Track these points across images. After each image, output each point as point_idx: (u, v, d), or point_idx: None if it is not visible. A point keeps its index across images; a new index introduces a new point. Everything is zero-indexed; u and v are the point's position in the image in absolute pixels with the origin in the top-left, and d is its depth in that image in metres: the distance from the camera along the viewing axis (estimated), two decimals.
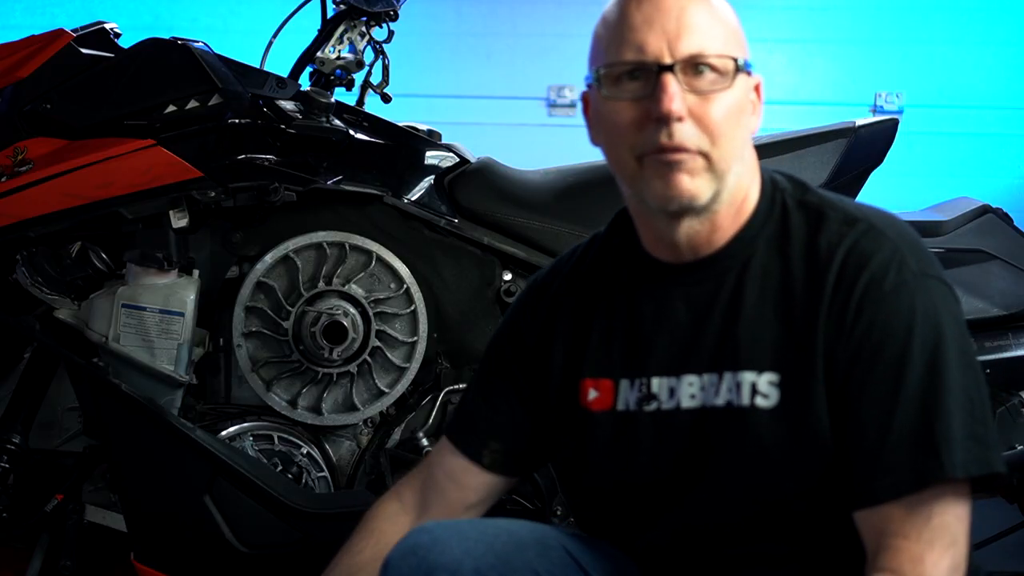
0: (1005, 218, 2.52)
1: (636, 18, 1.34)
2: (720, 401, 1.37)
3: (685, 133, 1.31)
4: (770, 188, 1.44)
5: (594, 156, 2.55)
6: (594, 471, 1.47)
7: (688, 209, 1.36)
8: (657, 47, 1.32)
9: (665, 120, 1.31)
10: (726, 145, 1.34)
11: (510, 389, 1.56)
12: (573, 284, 1.53)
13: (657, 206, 1.37)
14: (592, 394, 1.46)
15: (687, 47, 1.32)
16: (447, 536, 1.41)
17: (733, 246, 1.40)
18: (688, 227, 1.38)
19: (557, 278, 1.55)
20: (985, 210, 2.51)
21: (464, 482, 1.57)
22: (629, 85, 1.34)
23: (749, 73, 1.38)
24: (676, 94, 1.31)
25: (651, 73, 1.32)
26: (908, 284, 1.33)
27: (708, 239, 1.40)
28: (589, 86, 1.41)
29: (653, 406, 1.42)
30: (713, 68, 1.33)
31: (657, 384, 1.42)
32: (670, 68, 1.31)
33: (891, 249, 1.35)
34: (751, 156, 1.42)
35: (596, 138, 1.43)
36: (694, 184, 1.33)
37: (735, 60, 1.34)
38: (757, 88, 1.41)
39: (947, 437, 1.28)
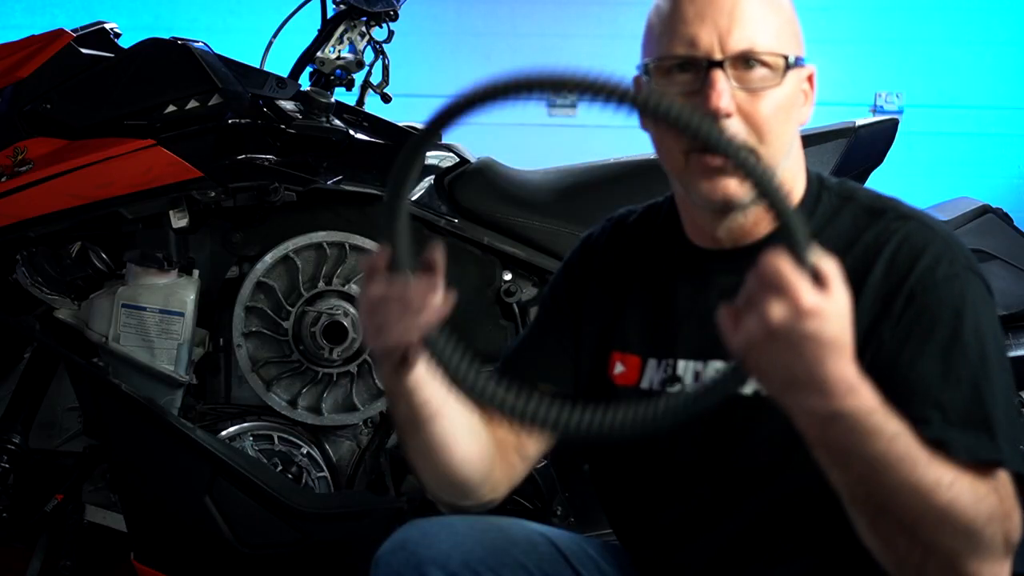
0: (1005, 218, 2.52)
1: (688, 11, 1.33)
2: (748, 390, 1.37)
3: (733, 130, 1.31)
4: (816, 184, 1.44)
5: (594, 156, 2.58)
6: (613, 445, 1.46)
7: (733, 207, 1.36)
8: (708, 42, 1.32)
9: (713, 116, 1.30)
10: (775, 142, 1.34)
11: (558, 333, 1.54)
12: (619, 248, 1.52)
13: (702, 204, 1.37)
14: (618, 368, 1.47)
15: (738, 43, 1.31)
16: (436, 531, 1.42)
17: (774, 237, 1.39)
18: (731, 221, 1.39)
19: (604, 235, 1.55)
20: (985, 210, 2.51)
21: (517, 438, 1.51)
22: (679, 78, 1.34)
23: (802, 66, 1.37)
24: (725, 91, 1.30)
25: (701, 68, 1.32)
26: (960, 276, 1.33)
27: (750, 231, 1.40)
28: (640, 74, 1.40)
29: (677, 388, 1.42)
30: (764, 64, 1.33)
31: (683, 367, 1.42)
32: (720, 64, 1.31)
33: (943, 243, 1.35)
34: (798, 149, 1.41)
35: (645, 125, 1.42)
36: (741, 187, 1.33)
37: (786, 58, 1.34)
38: (810, 78, 1.40)
39: (998, 422, 1.27)
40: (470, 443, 1.43)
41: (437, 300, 1.23)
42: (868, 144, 2.48)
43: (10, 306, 2.39)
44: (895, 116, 2.59)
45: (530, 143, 4.01)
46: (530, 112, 4.46)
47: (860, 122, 2.49)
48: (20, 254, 2.33)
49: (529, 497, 2.39)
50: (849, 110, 4.11)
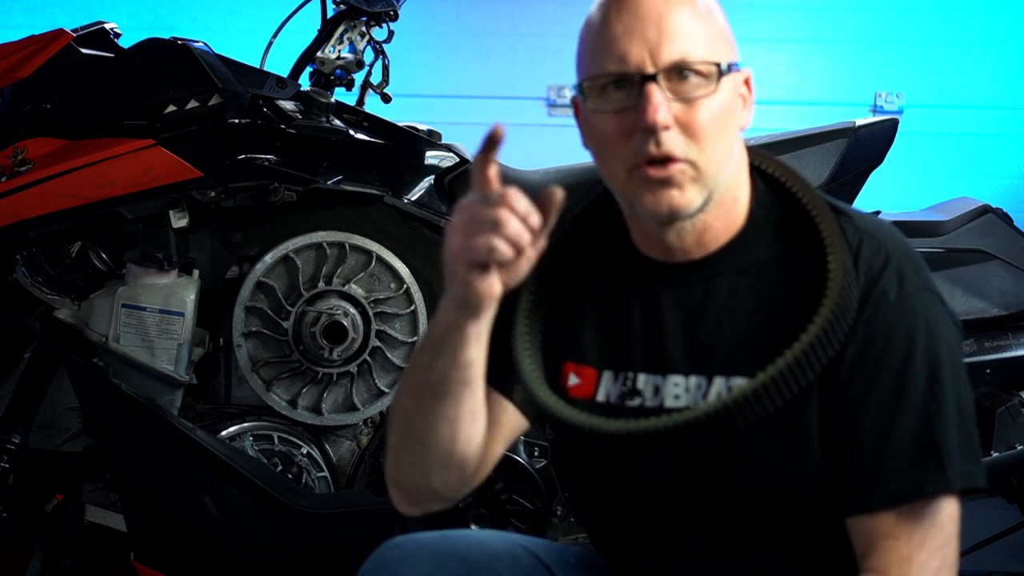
0: (1005, 218, 2.53)
1: (616, 27, 1.32)
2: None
3: (672, 141, 1.30)
4: (764, 191, 1.42)
5: None
6: (576, 453, 1.47)
7: (678, 217, 1.35)
8: (639, 56, 1.30)
9: (651, 130, 1.30)
10: (714, 150, 1.32)
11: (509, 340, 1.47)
12: (567, 250, 1.49)
13: (647, 216, 1.36)
14: (572, 379, 1.45)
15: (669, 54, 1.30)
16: (418, 551, 1.41)
17: (727, 249, 1.39)
18: (679, 229, 1.37)
19: (554, 235, 1.47)
20: (985, 210, 2.51)
21: (502, 420, 1.48)
22: (614, 95, 1.33)
23: (737, 71, 1.36)
24: (660, 104, 1.29)
25: (635, 83, 1.31)
26: (912, 297, 1.33)
27: (699, 239, 1.38)
28: (576, 95, 1.39)
29: (636, 402, 1.40)
30: (697, 72, 1.31)
31: (644, 380, 1.40)
32: (653, 78, 1.30)
33: (895, 263, 1.35)
34: (740, 154, 1.40)
35: (587, 144, 1.41)
36: (684, 197, 1.32)
37: (718, 65, 1.32)
38: (747, 82, 1.39)
39: (947, 449, 1.29)
40: (480, 422, 1.40)
41: (535, 221, 1.21)
42: (868, 144, 2.48)
43: (10, 306, 2.39)
44: (895, 116, 2.59)
45: (530, 143, 4.01)
46: (530, 112, 4.45)
47: (860, 122, 2.49)
48: (20, 254, 2.34)
49: (529, 498, 2.39)
50: (849, 110, 4.11)
